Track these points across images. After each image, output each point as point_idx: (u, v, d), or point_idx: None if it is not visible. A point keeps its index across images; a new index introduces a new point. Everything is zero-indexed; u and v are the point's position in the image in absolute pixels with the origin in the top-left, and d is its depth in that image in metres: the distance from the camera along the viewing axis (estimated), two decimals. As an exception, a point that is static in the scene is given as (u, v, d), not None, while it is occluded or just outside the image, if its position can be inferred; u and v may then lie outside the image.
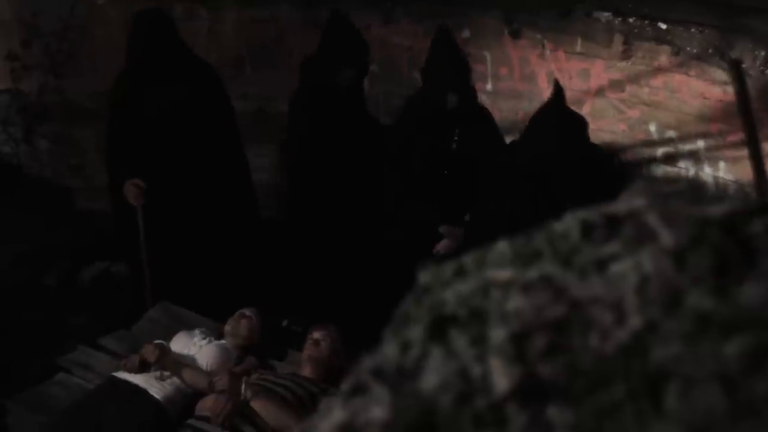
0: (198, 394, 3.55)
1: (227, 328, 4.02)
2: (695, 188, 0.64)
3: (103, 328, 4.92)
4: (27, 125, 6.25)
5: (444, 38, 4.60)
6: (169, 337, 4.02)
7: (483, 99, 4.97)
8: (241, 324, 4.01)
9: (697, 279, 0.56)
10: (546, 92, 5.19)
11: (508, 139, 4.66)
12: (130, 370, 3.59)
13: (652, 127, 4.81)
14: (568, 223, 0.63)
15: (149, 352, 3.59)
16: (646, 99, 4.80)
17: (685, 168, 4.75)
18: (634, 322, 0.54)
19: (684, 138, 4.76)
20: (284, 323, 5.14)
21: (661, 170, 4.79)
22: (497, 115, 5.20)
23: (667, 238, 0.58)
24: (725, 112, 4.55)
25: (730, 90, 4.34)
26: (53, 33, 6.01)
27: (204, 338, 3.90)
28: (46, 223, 6.29)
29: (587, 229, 0.61)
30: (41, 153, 6.41)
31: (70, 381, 3.92)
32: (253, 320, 4.04)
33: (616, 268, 0.57)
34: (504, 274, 0.62)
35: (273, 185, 6.20)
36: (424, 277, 0.66)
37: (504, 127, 5.29)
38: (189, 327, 4.29)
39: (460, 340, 0.57)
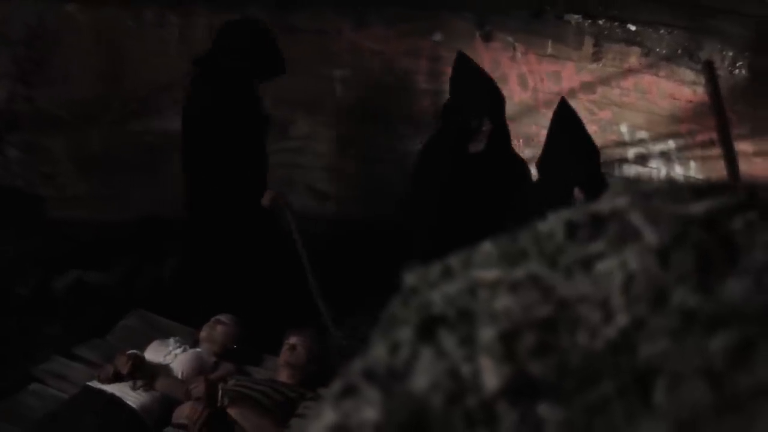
0: (175, 402, 3.53)
1: (203, 334, 4.00)
2: (675, 187, 0.65)
3: (77, 337, 4.88)
4: (-5, 134, 6.19)
5: (465, 65, 4.47)
6: (144, 345, 4.00)
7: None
8: (216, 330, 4.00)
9: (682, 276, 0.57)
10: (517, 94, 5.23)
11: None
12: (104, 381, 3.57)
13: (623, 128, 4.86)
14: (553, 223, 0.64)
15: (122, 364, 3.56)
16: (616, 100, 4.85)
17: (656, 168, 4.80)
18: (622, 319, 0.55)
19: (655, 138, 4.81)
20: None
21: (633, 170, 4.84)
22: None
23: (650, 236, 0.59)
24: (695, 112, 4.61)
25: (700, 90, 4.39)
26: (21, 41, 5.96)
27: (179, 346, 3.88)
28: (17, 233, 6.23)
29: (572, 229, 0.62)
30: (11, 162, 6.34)
31: (44, 391, 3.88)
32: (228, 326, 4.03)
33: (601, 266, 0.58)
34: (490, 274, 0.62)
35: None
36: (410, 278, 0.67)
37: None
38: (164, 334, 4.27)
39: (449, 340, 0.58)
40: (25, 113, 6.11)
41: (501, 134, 4.49)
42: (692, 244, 0.59)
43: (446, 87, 4.70)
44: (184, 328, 4.35)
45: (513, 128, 5.27)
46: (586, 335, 0.55)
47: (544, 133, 5.10)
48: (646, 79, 4.80)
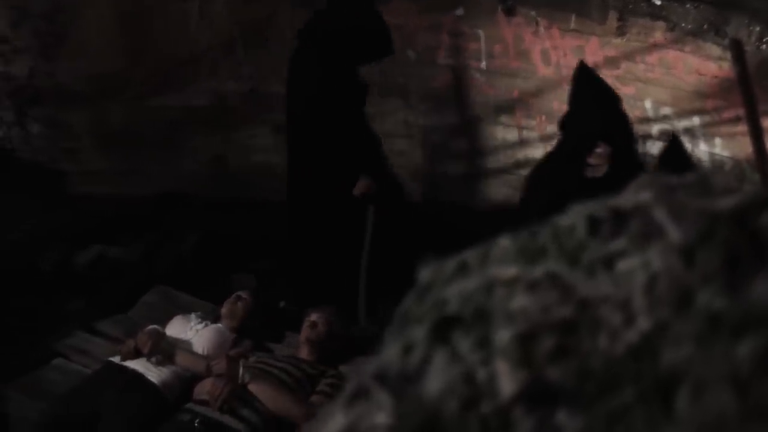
0: (196, 378, 3.54)
1: (224, 310, 4.01)
2: (703, 179, 0.62)
3: (99, 312, 4.91)
4: (18, 109, 6.21)
5: (587, 77, 4.10)
6: (165, 321, 4.01)
7: (477, 77, 4.95)
8: (237, 306, 4.00)
9: (707, 276, 0.54)
10: (540, 70, 5.16)
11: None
12: (126, 357, 3.58)
13: (648, 104, 4.79)
14: (574, 219, 0.61)
15: (142, 341, 3.57)
16: (641, 76, 4.78)
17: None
18: (644, 323, 0.53)
19: (679, 114, 4.74)
20: (281, 304, 5.14)
21: (656, 147, 4.78)
22: (492, 93, 5.18)
23: (675, 234, 0.57)
24: (721, 87, 4.54)
25: (726, 66, 4.32)
26: (43, 15, 5.95)
27: (200, 322, 3.89)
28: (40, 208, 6.26)
29: (593, 225, 0.60)
30: (33, 137, 6.37)
31: (67, 366, 3.91)
32: (248, 302, 4.03)
33: (623, 265, 0.56)
34: (508, 271, 0.60)
35: (267, 165, 6.18)
36: (425, 274, 0.65)
37: (499, 106, 5.28)
38: (185, 310, 4.28)
39: (464, 343, 0.56)
40: (46, 88, 6.12)
41: (626, 159, 3.96)
42: (719, 242, 0.56)
43: (467, 62, 4.66)
44: (205, 303, 4.37)
45: (535, 104, 5.22)
46: (607, 339, 0.53)
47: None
48: (671, 54, 4.72)
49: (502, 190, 5.37)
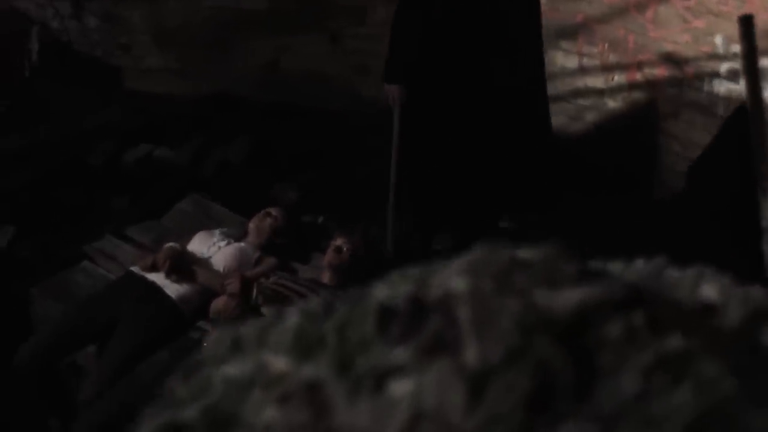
0: (214, 294, 3.50)
1: (251, 225, 3.94)
2: (551, 261, 0.48)
3: (141, 212, 4.92)
4: (75, 1, 6.15)
5: None
6: (195, 231, 3.98)
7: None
8: (264, 223, 3.93)
9: (495, 420, 0.41)
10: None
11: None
12: (144, 270, 3.56)
13: (718, 40, 4.46)
14: (371, 303, 0.48)
15: (161, 260, 3.54)
16: (713, 8, 4.44)
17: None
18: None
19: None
20: (320, 220, 5.07)
21: (723, 87, 4.47)
22: (555, 17, 4.91)
23: (471, 351, 0.43)
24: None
25: (806, 4, 3.97)
26: None
27: (223, 239, 3.83)
28: (93, 102, 6.26)
29: (385, 318, 0.47)
30: (90, 30, 6.32)
31: (93, 270, 3.92)
32: (277, 220, 3.95)
33: (394, 389, 0.43)
34: (278, 364, 0.48)
35: (321, 74, 6.04)
36: (206, 347, 0.53)
37: (561, 31, 5.01)
38: (217, 222, 4.25)
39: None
40: (104, -19, 6.05)
41: None
42: (528, 367, 0.43)
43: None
44: (236, 217, 4.31)
45: (599, 31, 4.94)
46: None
47: (632, 38, 4.76)
48: (749, -14, 4.37)
49: (558, 118, 5.14)
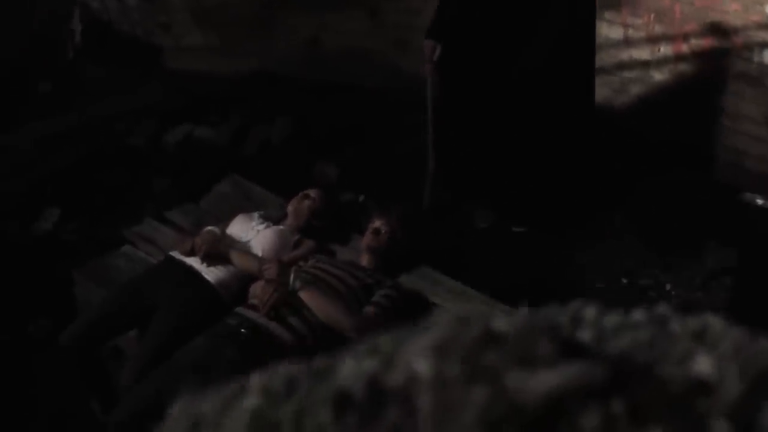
0: (253, 279, 3.49)
1: (289, 208, 3.92)
2: (529, 337, 0.43)
3: (182, 193, 4.94)
4: (115, -20, 6.17)
5: None
6: (235, 213, 3.97)
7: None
8: (302, 205, 3.91)
9: None
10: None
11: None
12: (183, 254, 3.57)
13: (768, 9, 4.31)
14: (330, 387, 0.44)
15: (198, 246, 3.53)
16: (764, -24, 4.28)
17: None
18: None
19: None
20: (360, 198, 5.04)
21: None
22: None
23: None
24: None
25: None
26: None
27: (262, 222, 3.82)
28: (135, 82, 6.29)
29: (342, 405, 0.42)
30: (130, 9, 6.32)
31: (134, 254, 3.94)
32: (315, 202, 3.93)
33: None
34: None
35: (361, 50, 5.97)
36: (165, 425, 0.49)
37: (605, 1, 4.87)
38: (256, 204, 4.24)
39: None
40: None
41: None
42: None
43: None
44: (276, 198, 4.30)
45: (645, 1, 4.79)
46: None
47: (679, 7, 4.62)
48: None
49: (602, 91, 5.02)
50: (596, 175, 4.62)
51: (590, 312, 0.53)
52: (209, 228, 3.69)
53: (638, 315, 0.53)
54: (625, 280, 4.22)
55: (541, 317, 0.47)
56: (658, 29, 4.76)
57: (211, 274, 3.51)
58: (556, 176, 4.42)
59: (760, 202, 4.46)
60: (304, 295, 3.24)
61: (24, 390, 3.86)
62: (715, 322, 0.51)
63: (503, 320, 0.45)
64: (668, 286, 4.16)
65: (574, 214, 4.50)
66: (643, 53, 4.93)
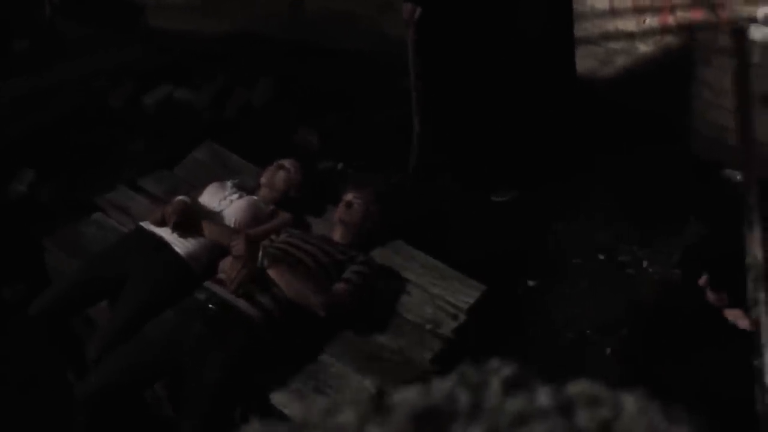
0: (224, 252, 3.45)
1: (263, 179, 3.87)
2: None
3: (159, 157, 4.87)
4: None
5: None
6: (209, 181, 3.92)
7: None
8: (277, 176, 3.86)
9: None
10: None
11: None
12: (154, 224, 3.52)
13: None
14: None
15: (168, 215, 3.48)
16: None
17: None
18: None
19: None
20: (339, 166, 4.99)
21: (759, 33, 4.23)
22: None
23: None
24: None
25: None
26: None
27: (235, 192, 3.76)
28: (114, 41, 6.18)
29: None
30: (110, -35, 6.20)
31: (105, 222, 3.90)
32: (290, 173, 3.87)
33: None
34: None
35: (348, 13, 5.87)
36: None
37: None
38: (231, 172, 4.18)
39: None
40: None
41: None
42: None
43: None
44: (252, 167, 4.24)
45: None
46: None
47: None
48: None
49: (587, 62, 4.95)
50: (573, 138, 4.60)
51: (494, 392, 0.49)
52: (180, 197, 3.64)
53: (544, 398, 0.50)
54: (602, 256, 4.19)
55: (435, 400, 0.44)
56: (644, 0, 4.68)
57: (181, 245, 3.47)
58: (535, 138, 4.40)
59: (740, 178, 4.42)
60: (272, 273, 3.21)
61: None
62: (629, 406, 0.48)
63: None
64: (645, 263, 4.14)
65: (550, 176, 4.50)
66: (628, 24, 4.85)
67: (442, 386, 0.53)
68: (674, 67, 4.67)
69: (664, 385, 2.99)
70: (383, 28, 5.65)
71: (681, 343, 3.36)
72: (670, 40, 4.70)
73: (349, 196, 3.67)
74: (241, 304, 3.12)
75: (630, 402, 0.48)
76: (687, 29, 4.57)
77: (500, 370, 0.52)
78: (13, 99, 5.49)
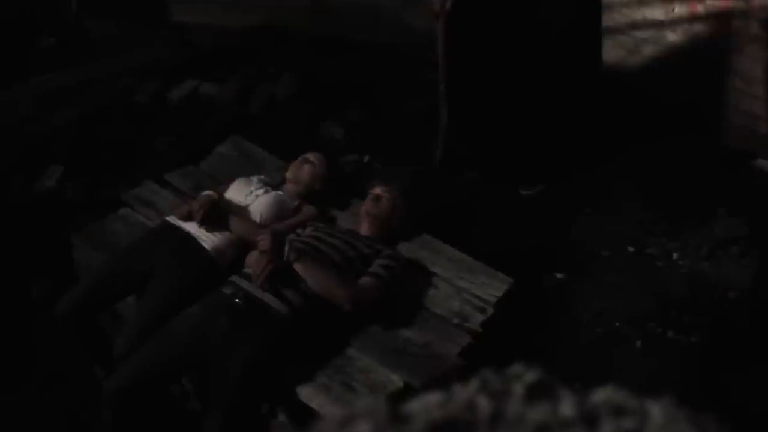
0: (251, 246, 3.44)
1: (288, 174, 3.86)
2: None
3: (185, 153, 4.88)
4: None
5: None
6: (235, 175, 3.92)
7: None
8: (302, 170, 3.85)
9: None
10: None
11: None
12: (180, 219, 3.52)
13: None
14: None
15: (195, 209, 3.48)
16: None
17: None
18: None
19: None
20: (365, 159, 4.97)
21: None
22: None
23: None
24: None
25: None
26: None
27: (261, 187, 3.75)
28: (140, 37, 6.20)
29: None
30: (135, -38, 6.22)
31: (132, 217, 3.91)
32: (315, 166, 3.86)
33: None
34: None
35: (372, 6, 5.85)
36: None
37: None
38: (257, 166, 4.18)
39: None
40: None
41: None
42: None
43: None
44: (278, 160, 4.23)
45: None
46: None
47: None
48: None
49: (615, 51, 4.90)
50: (600, 130, 4.55)
51: (516, 400, 0.47)
52: (207, 192, 3.64)
53: (568, 408, 0.48)
54: (631, 249, 4.14)
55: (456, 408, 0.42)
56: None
57: (207, 240, 3.47)
58: (562, 130, 4.36)
59: None
60: (298, 267, 3.20)
61: (22, 351, 3.87)
62: (656, 415, 0.45)
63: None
64: (675, 255, 4.08)
65: (577, 168, 4.46)
66: (656, 13, 4.79)
67: (462, 394, 0.51)
68: (704, 57, 4.60)
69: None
70: (407, 21, 5.62)
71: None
72: (699, 28, 4.63)
73: (377, 190, 3.65)
74: (268, 298, 3.11)
75: (657, 410, 0.46)
76: (716, 17, 4.50)
77: (524, 376, 0.50)
78: (41, 96, 5.53)
